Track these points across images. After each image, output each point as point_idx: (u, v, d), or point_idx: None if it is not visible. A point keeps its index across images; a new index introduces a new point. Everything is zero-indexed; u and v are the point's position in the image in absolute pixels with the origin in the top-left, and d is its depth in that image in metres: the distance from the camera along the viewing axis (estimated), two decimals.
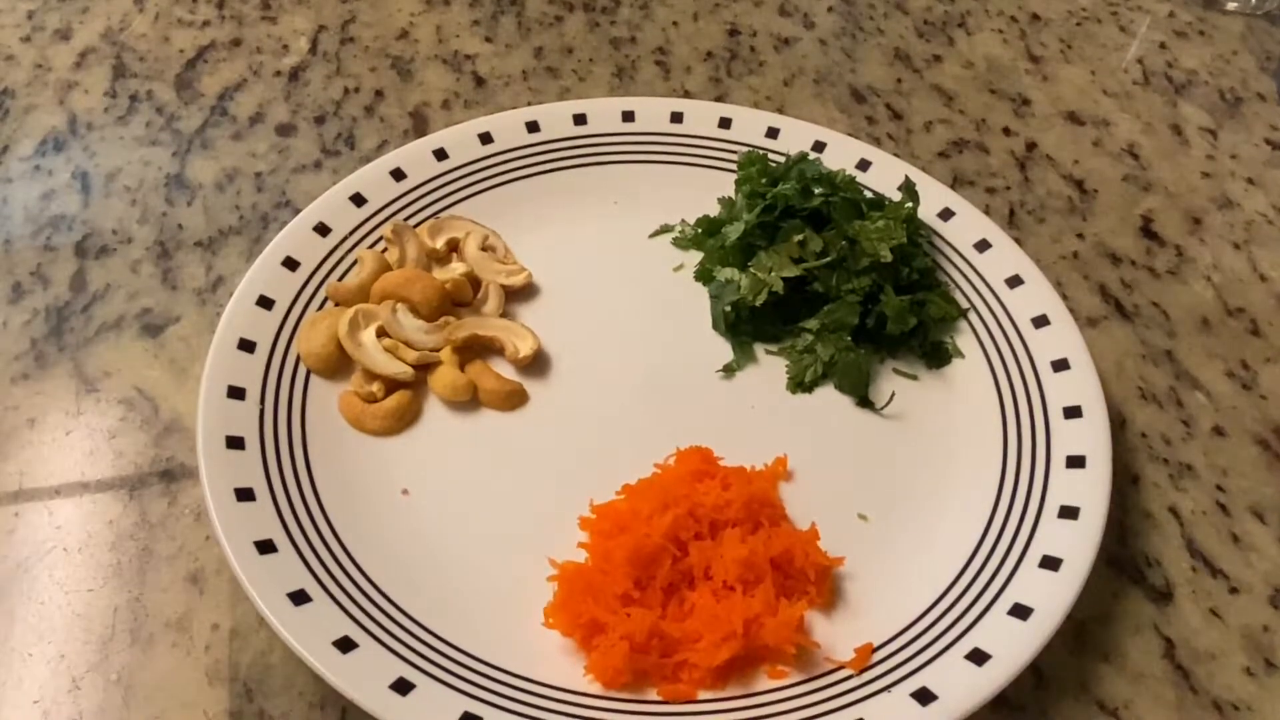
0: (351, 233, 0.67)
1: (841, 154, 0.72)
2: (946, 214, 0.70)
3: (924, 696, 0.49)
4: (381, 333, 0.62)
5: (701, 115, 0.75)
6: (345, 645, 0.49)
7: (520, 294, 0.67)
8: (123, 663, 0.51)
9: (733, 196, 0.70)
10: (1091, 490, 0.55)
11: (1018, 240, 0.69)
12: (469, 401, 0.61)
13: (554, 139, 0.73)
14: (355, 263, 0.65)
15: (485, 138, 0.72)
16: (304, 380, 0.60)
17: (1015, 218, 0.76)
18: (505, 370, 0.62)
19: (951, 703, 0.48)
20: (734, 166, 0.71)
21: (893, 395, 0.62)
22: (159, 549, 0.56)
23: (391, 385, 0.60)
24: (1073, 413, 0.59)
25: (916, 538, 0.56)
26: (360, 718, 0.48)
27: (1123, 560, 0.58)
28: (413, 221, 0.68)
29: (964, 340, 0.65)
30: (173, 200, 0.73)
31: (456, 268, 0.66)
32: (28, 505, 0.57)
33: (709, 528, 0.53)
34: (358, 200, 0.68)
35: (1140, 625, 0.55)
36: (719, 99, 0.83)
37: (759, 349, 0.65)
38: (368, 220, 0.68)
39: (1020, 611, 0.51)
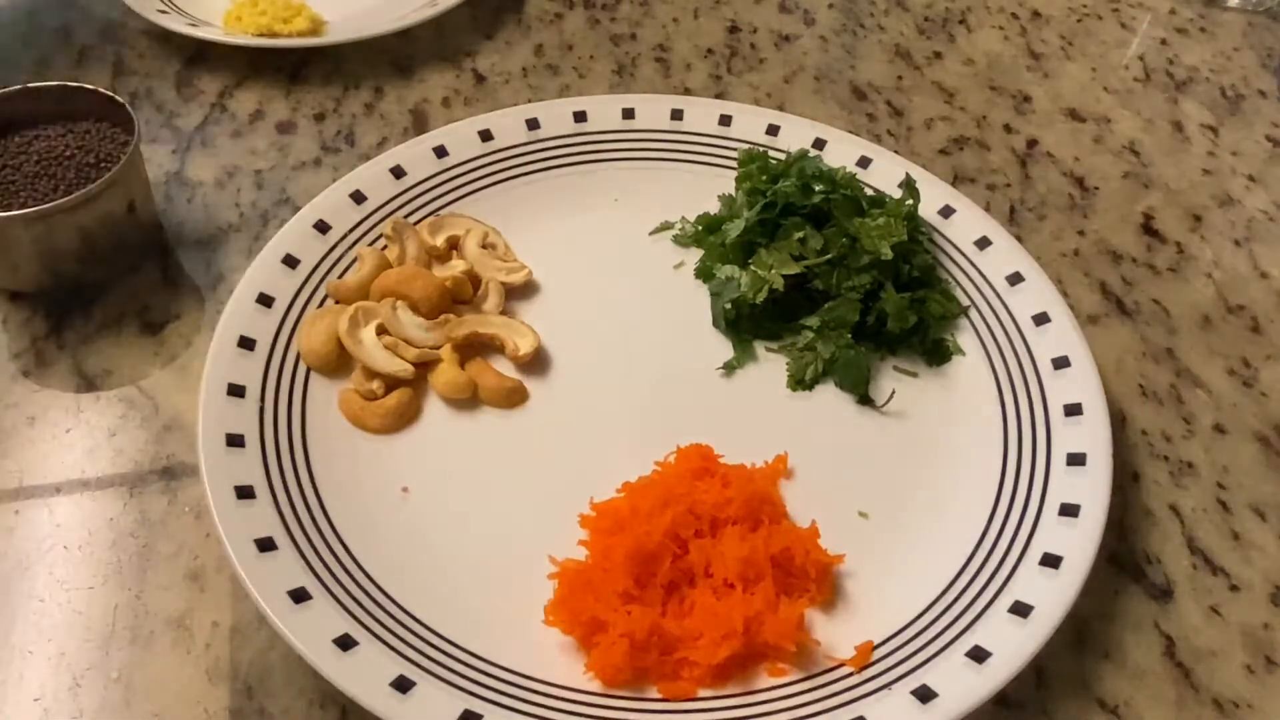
0: (351, 230, 0.67)
1: (842, 151, 0.72)
2: (947, 211, 0.69)
3: (924, 695, 0.49)
4: (382, 330, 0.62)
5: (702, 113, 0.75)
6: (345, 643, 0.49)
7: (520, 292, 0.67)
8: (123, 660, 0.51)
9: (733, 194, 0.70)
10: (1092, 488, 0.55)
11: (1018, 238, 0.69)
12: (469, 399, 0.61)
13: (554, 136, 0.73)
14: (355, 260, 0.65)
15: (485, 135, 0.72)
16: (304, 378, 0.60)
17: (1016, 215, 0.76)
18: (505, 368, 0.62)
19: (952, 701, 0.48)
20: (734, 164, 0.71)
21: (893, 393, 0.62)
22: (159, 547, 0.56)
23: (392, 383, 0.60)
24: (1073, 410, 0.59)
25: (917, 535, 0.56)
26: (361, 716, 0.48)
27: (1123, 558, 0.58)
28: (413, 219, 0.68)
29: (964, 338, 0.65)
30: (173, 198, 0.73)
31: (457, 265, 0.66)
32: (28, 503, 0.57)
33: (709, 525, 0.53)
34: (358, 198, 0.68)
35: (1140, 623, 0.55)
36: (719, 96, 0.83)
37: (759, 347, 0.65)
38: (368, 218, 0.67)
39: (1021, 610, 0.51)
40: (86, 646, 0.52)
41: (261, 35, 0.82)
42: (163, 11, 0.83)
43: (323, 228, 0.66)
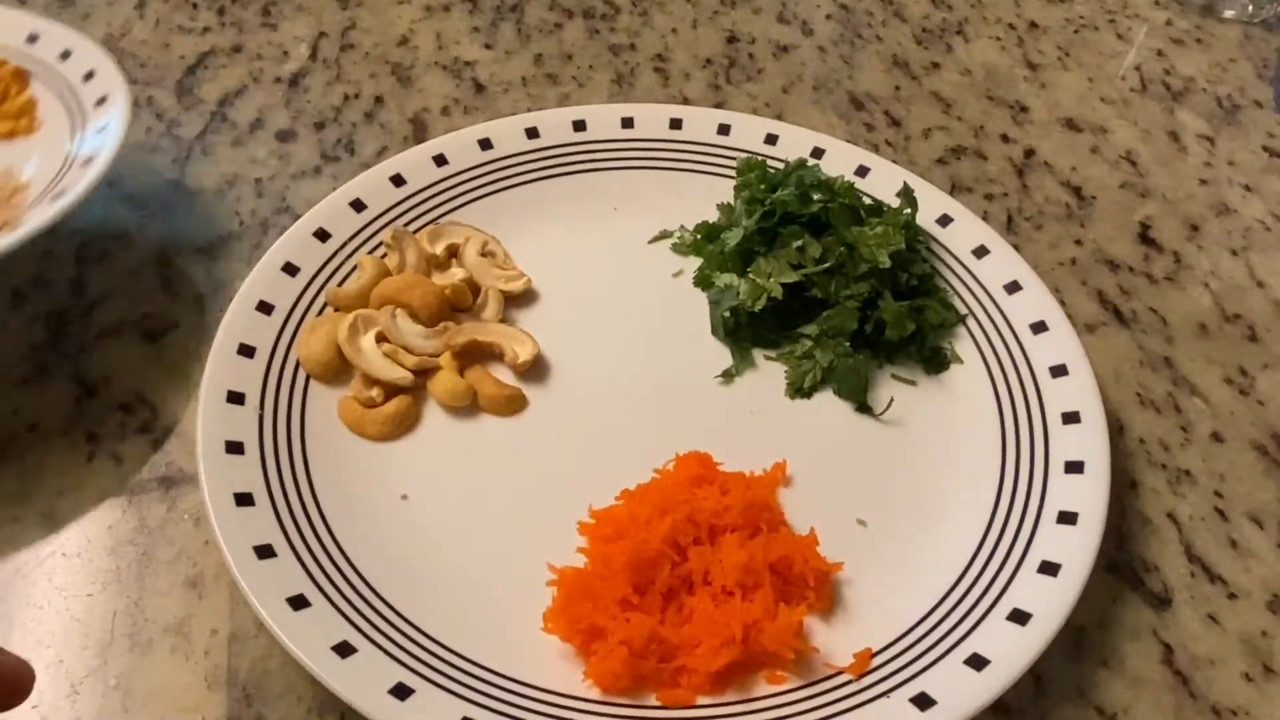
0: (351, 238, 0.67)
1: (840, 160, 0.73)
2: (945, 220, 0.70)
3: (923, 702, 0.49)
4: (381, 338, 0.62)
5: (700, 121, 0.75)
6: (344, 650, 0.49)
7: (520, 299, 0.67)
8: (121, 668, 0.51)
9: (732, 202, 0.71)
10: (1090, 496, 0.55)
11: (1016, 246, 0.69)
12: (468, 407, 0.61)
13: (553, 145, 0.74)
14: (355, 268, 0.65)
15: (485, 144, 0.73)
16: (303, 385, 0.60)
17: (1013, 224, 0.76)
18: (504, 375, 0.63)
19: (950, 708, 0.48)
20: (733, 172, 0.72)
21: (891, 401, 0.63)
22: (158, 554, 0.56)
23: (391, 390, 0.60)
24: (1071, 418, 0.59)
25: (915, 543, 0.56)
26: None
27: (1121, 566, 0.58)
28: (412, 227, 0.69)
29: (962, 346, 0.65)
30: (173, 206, 0.73)
31: (456, 273, 0.66)
32: (27, 510, 0.57)
33: (708, 533, 0.53)
34: (357, 206, 0.68)
35: (1139, 631, 0.55)
36: (718, 105, 0.83)
37: (758, 354, 0.65)
38: (367, 226, 0.68)
39: (1019, 617, 0.51)
40: (85, 654, 0.52)
41: None
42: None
43: (323, 235, 0.66)
